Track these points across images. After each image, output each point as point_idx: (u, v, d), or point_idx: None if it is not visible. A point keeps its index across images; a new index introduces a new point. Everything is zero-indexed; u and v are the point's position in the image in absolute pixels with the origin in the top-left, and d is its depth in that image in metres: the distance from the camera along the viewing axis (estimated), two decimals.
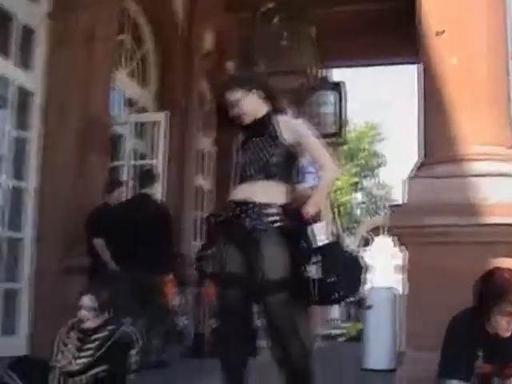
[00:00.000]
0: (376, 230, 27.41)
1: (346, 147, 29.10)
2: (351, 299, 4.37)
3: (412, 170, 5.38)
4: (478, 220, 4.97)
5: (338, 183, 34.06)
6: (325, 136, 14.01)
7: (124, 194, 8.44)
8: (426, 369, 4.12)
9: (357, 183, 37.25)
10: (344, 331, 14.27)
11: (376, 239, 28.06)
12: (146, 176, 7.92)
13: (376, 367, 7.71)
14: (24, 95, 8.06)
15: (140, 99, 10.71)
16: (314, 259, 4.20)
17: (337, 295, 4.28)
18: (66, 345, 4.62)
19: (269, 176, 4.25)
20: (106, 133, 8.76)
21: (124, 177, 9.39)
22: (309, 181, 4.70)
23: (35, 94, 8.17)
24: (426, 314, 4.67)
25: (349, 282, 4.32)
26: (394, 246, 9.03)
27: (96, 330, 4.64)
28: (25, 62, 8.08)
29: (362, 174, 37.70)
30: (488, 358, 4.06)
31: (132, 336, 4.69)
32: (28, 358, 4.43)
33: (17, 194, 7.97)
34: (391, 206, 5.86)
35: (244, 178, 4.31)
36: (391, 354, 7.78)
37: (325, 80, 13.83)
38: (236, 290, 4.22)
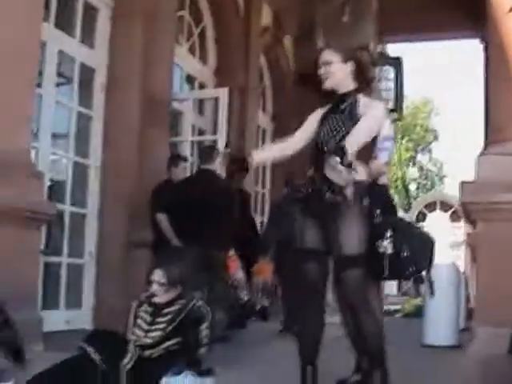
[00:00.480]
0: (431, 206, 27.33)
1: (401, 122, 28.92)
2: (424, 274, 4.37)
3: (482, 148, 5.33)
4: None
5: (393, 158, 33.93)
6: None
7: (186, 169, 8.53)
8: (497, 345, 4.11)
9: (411, 158, 37.01)
10: (400, 307, 14.24)
11: (430, 215, 28.01)
12: (207, 152, 7.95)
13: (437, 343, 7.69)
14: (87, 72, 8.17)
15: (199, 75, 10.76)
16: (387, 234, 4.23)
17: (410, 270, 4.30)
18: (138, 318, 4.70)
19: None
20: (166, 109, 8.83)
21: (184, 152, 9.45)
22: (383, 157, 4.69)
23: (97, 71, 8.27)
24: (495, 289, 4.64)
25: (421, 257, 4.34)
26: (451, 221, 8.97)
27: (167, 304, 4.71)
28: (88, 40, 8.18)
29: (417, 149, 37.42)
30: None
31: (203, 310, 4.75)
32: (103, 332, 4.49)
33: (81, 171, 8.10)
34: (462, 183, 5.81)
35: (322, 154, 4.30)
36: (453, 331, 7.75)
37: (384, 55, 13.71)
38: (314, 264, 4.26)
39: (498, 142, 5.18)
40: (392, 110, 13.45)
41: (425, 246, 4.40)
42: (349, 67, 4.39)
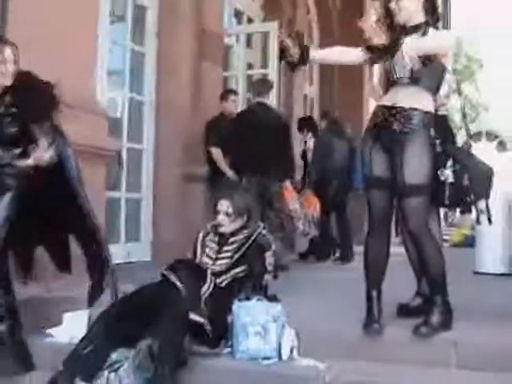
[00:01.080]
0: (476, 136, 27.04)
1: None
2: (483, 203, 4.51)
3: None
4: None
5: None
6: None
7: (237, 103, 8.64)
8: None
9: (457, 88, 36.52)
10: (448, 237, 14.31)
11: (476, 145, 27.77)
12: (260, 85, 8.03)
13: (490, 271, 7.83)
14: (140, 10, 8.27)
15: (246, 10, 10.78)
16: (448, 163, 4.36)
17: (469, 199, 4.44)
18: (205, 247, 4.89)
19: (414, 82, 4.33)
20: (219, 43, 8.93)
21: (236, 87, 9.57)
22: (443, 89, 4.75)
23: (149, 9, 8.37)
24: None
25: (480, 186, 4.47)
26: (497, 151, 8.96)
27: (233, 233, 4.89)
28: None
29: (461, 79, 36.90)
30: None
31: (267, 238, 4.93)
32: (184, 261, 4.68)
33: (137, 107, 8.26)
34: None
35: (391, 83, 4.41)
36: (504, 259, 7.89)
37: None
38: (382, 192, 4.41)
39: None
40: None
41: (483, 176, 4.52)
42: (420, 1, 4.38)
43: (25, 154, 4.18)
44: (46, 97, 4.27)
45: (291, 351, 4.18)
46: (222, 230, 4.89)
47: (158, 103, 8.33)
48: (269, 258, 4.87)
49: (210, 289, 4.36)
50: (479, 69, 37.70)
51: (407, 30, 4.36)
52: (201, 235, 4.99)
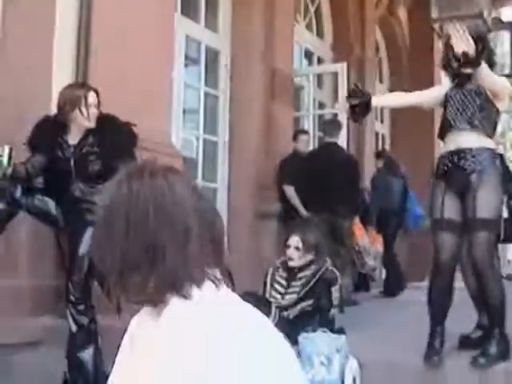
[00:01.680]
0: None
1: None
2: None
3: None
4: None
5: None
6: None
7: (308, 142, 8.87)
8: None
9: None
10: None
11: None
12: (330, 125, 8.26)
13: None
14: (212, 54, 8.61)
15: (317, 50, 11.04)
16: (504, 199, 4.53)
17: None
18: (274, 283, 5.11)
19: (475, 127, 4.53)
20: (289, 84, 9.19)
21: (306, 126, 9.80)
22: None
23: (221, 53, 8.70)
24: None
25: None
26: None
27: (301, 269, 5.10)
28: (212, 25, 8.62)
29: None
30: None
31: (334, 274, 5.13)
32: (250, 294, 4.88)
33: (211, 148, 8.56)
34: None
35: (450, 128, 4.61)
36: None
37: (498, 20, 13.60)
38: (451, 234, 4.56)
39: None
40: (508, 76, 13.34)
41: None
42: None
43: None
44: (127, 135, 4.59)
45: (354, 381, 4.35)
46: (291, 264, 5.11)
47: (231, 143, 8.63)
48: (335, 293, 5.07)
49: (275, 321, 4.54)
50: None
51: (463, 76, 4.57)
52: (271, 270, 5.23)
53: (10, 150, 4.32)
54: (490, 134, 4.61)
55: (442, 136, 4.71)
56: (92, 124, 4.55)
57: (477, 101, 4.55)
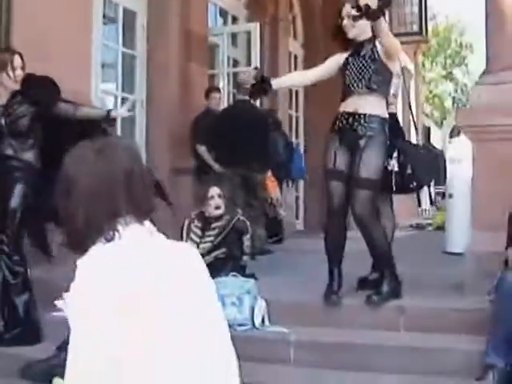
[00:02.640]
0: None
1: (435, 41, 29.23)
2: (431, 188, 5.22)
3: (479, 77, 5.81)
4: None
5: (432, 75, 34.47)
6: (407, 34, 14.43)
7: (221, 99, 9.18)
8: (492, 244, 4.83)
9: (449, 74, 37.03)
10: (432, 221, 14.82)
11: None
12: None
13: (455, 250, 8.39)
14: (130, 15, 8.85)
15: (231, 9, 11.30)
16: (393, 154, 5.10)
17: (412, 186, 5.20)
18: (190, 233, 5.54)
19: (373, 90, 5.01)
20: (204, 43, 9.49)
21: (221, 84, 10.13)
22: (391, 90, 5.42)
23: (138, 14, 8.94)
24: (490, 200, 5.25)
25: (423, 174, 5.19)
26: None
27: (216, 219, 5.53)
28: None
29: (454, 63, 37.33)
30: None
31: (245, 224, 5.59)
32: None
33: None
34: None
35: (350, 92, 5.07)
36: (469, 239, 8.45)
37: None
38: (340, 183, 5.06)
39: (494, 71, 5.58)
40: (417, 33, 13.90)
41: (428, 165, 5.25)
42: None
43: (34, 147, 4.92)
44: (49, 84, 5.01)
45: (262, 320, 4.85)
46: (218, 212, 5.52)
47: (148, 102, 8.88)
48: (246, 241, 5.55)
49: None
50: (471, 54, 38.02)
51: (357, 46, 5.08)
52: (186, 222, 5.64)
53: None
54: (386, 95, 5.12)
55: (344, 101, 5.15)
56: (18, 86, 4.93)
57: (371, 66, 5.01)
